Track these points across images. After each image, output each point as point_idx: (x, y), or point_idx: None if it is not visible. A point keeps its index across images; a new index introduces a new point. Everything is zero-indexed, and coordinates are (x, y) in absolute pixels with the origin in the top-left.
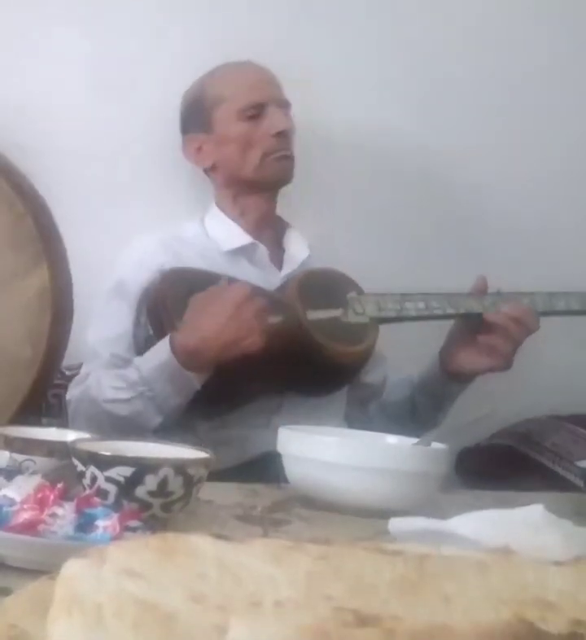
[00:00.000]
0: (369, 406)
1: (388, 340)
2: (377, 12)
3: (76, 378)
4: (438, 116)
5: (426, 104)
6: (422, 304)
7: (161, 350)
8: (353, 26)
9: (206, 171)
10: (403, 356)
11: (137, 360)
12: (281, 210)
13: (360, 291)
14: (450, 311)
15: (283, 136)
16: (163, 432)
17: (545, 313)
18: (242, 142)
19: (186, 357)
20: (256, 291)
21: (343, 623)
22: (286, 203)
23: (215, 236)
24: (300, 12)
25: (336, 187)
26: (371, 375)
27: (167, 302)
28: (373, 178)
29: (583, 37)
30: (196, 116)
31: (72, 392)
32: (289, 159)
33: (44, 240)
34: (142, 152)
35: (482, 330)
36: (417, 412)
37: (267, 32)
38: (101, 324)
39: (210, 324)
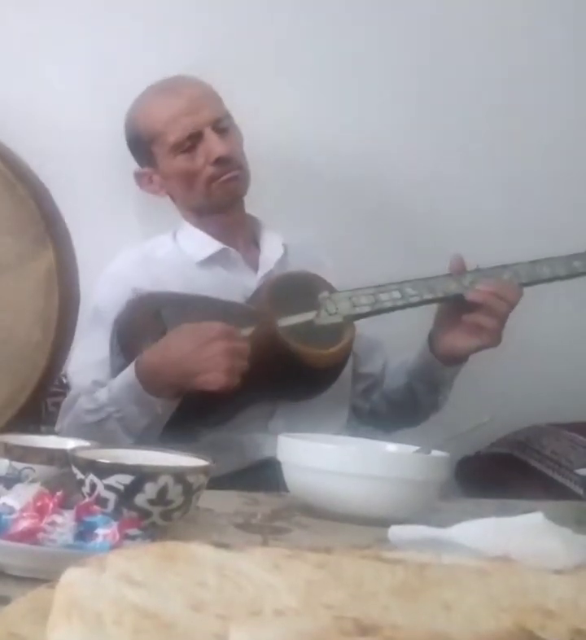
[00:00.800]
0: (372, 396)
1: (386, 326)
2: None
3: (61, 410)
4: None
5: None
6: (397, 294)
7: (128, 371)
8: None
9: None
10: (401, 342)
11: (110, 381)
12: (254, 210)
13: (332, 290)
14: (428, 296)
15: (224, 160)
16: (162, 439)
17: (531, 283)
18: (184, 175)
19: (146, 376)
20: (237, 335)
21: (343, 631)
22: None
23: (187, 249)
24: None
25: (308, 189)
26: (370, 365)
27: (134, 330)
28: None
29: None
30: (138, 151)
31: (62, 423)
32: (236, 179)
33: (47, 223)
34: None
35: (465, 310)
36: (417, 398)
37: (268, 32)
38: (81, 352)
39: (175, 348)
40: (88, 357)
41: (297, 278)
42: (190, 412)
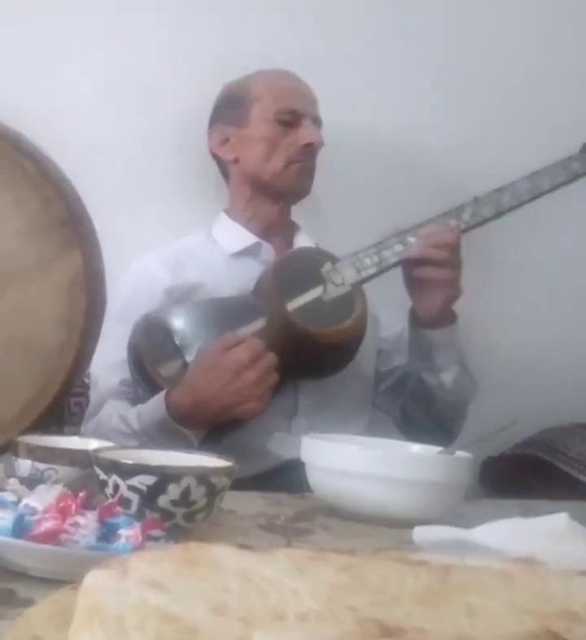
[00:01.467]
0: (402, 394)
1: None
2: (385, 14)
3: (89, 409)
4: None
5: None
6: (399, 247)
7: (157, 406)
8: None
9: (225, 165)
10: None
11: (140, 408)
12: None
13: (334, 260)
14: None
15: (311, 150)
16: (186, 441)
17: (533, 198)
18: (271, 143)
19: (180, 417)
20: (260, 351)
21: (367, 634)
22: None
23: (221, 241)
24: (311, 18)
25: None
26: (396, 358)
27: (148, 356)
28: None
29: None
30: (232, 108)
31: (86, 425)
32: (310, 173)
33: (75, 224)
34: (160, 160)
35: (416, 269)
36: (425, 384)
37: (282, 37)
38: (105, 350)
39: (206, 388)
40: (113, 357)
41: (297, 256)
42: None
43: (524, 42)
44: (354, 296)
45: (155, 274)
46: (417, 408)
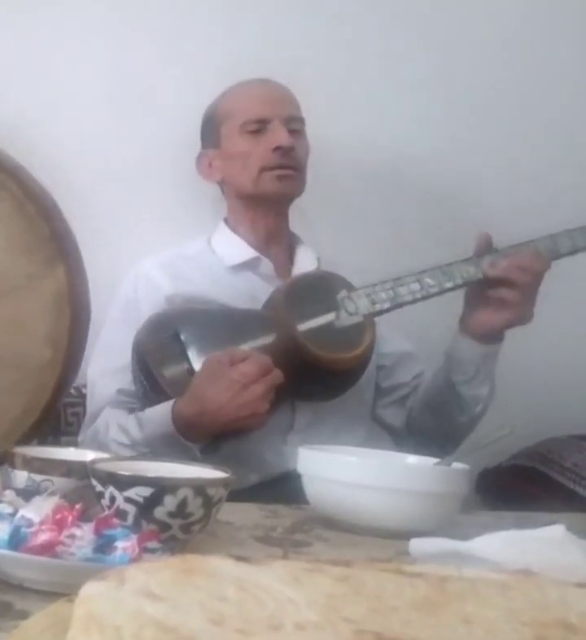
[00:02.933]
0: (407, 407)
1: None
2: (384, 25)
3: (86, 419)
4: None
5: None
6: (416, 286)
7: (162, 416)
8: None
9: (220, 185)
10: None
11: (140, 415)
12: None
13: (350, 288)
14: (447, 285)
15: (284, 152)
16: (182, 452)
17: (552, 256)
18: (243, 156)
19: (185, 426)
20: (269, 367)
21: None
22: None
23: (220, 252)
24: (312, 26)
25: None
26: (398, 376)
27: (153, 355)
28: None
29: None
30: (208, 132)
31: (84, 435)
32: (289, 178)
33: (58, 241)
34: (159, 165)
35: (489, 288)
36: (457, 391)
37: (284, 44)
38: (104, 355)
39: (212, 399)
40: (111, 362)
41: (311, 279)
42: None
43: (517, 46)
44: (365, 327)
45: (155, 281)
46: (433, 419)
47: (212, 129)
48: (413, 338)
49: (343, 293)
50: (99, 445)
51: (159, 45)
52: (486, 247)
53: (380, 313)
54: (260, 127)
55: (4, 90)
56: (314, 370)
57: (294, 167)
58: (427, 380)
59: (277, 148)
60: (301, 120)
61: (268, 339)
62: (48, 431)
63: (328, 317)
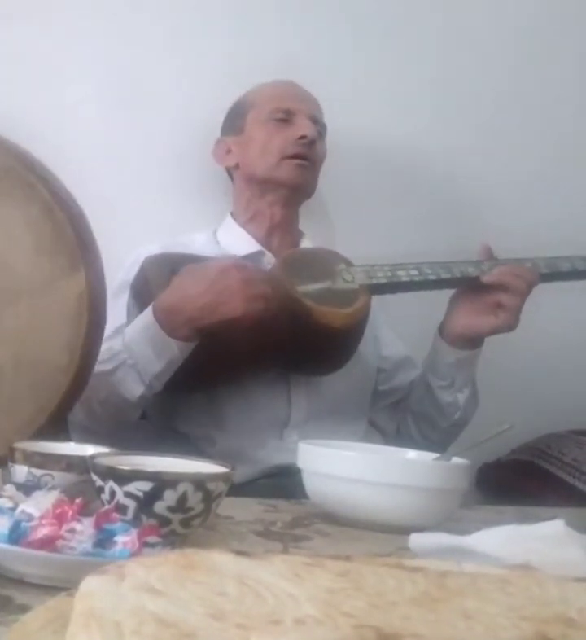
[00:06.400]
0: (398, 414)
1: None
2: (392, 26)
3: None
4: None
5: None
6: (414, 271)
7: (145, 314)
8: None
9: (230, 171)
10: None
11: (125, 329)
12: None
13: (348, 263)
14: (445, 276)
15: (306, 144)
16: (180, 447)
17: (550, 276)
18: (265, 141)
19: (165, 316)
20: (248, 265)
21: None
22: None
23: (224, 244)
24: (318, 25)
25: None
26: (395, 380)
27: (150, 288)
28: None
29: None
30: (232, 120)
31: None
32: (308, 168)
33: (82, 248)
34: (159, 165)
35: (481, 293)
36: (435, 397)
37: (285, 45)
38: None
39: (191, 285)
40: (108, 328)
41: (311, 253)
42: (205, 374)
43: (522, 46)
44: (360, 293)
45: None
46: (417, 424)
47: (236, 117)
48: (413, 339)
49: (341, 266)
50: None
51: (160, 44)
52: (486, 256)
53: (376, 287)
54: (286, 117)
55: (2, 91)
56: (303, 325)
57: (313, 160)
58: (414, 386)
59: (302, 137)
60: (323, 125)
61: (263, 287)
62: (58, 434)
63: (324, 284)
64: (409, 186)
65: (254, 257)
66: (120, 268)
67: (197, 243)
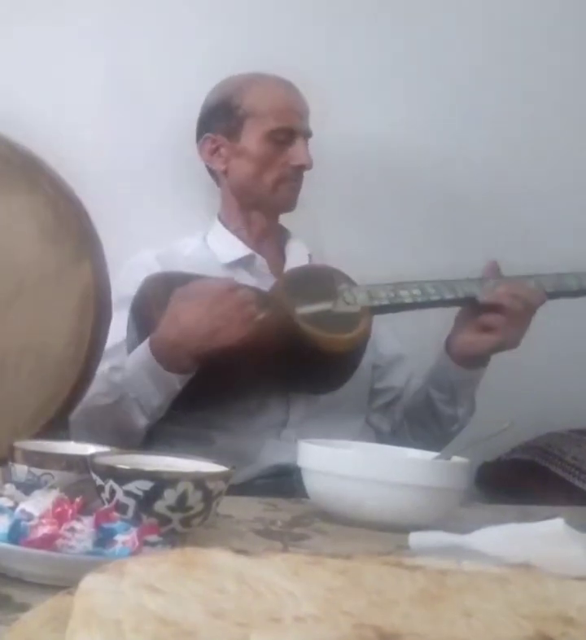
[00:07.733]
0: (394, 415)
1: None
2: (394, 26)
3: None
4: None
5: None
6: (417, 291)
7: (141, 349)
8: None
9: (215, 173)
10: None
11: (125, 360)
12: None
13: (350, 283)
14: (448, 296)
15: (301, 170)
16: (180, 446)
17: (556, 294)
18: (263, 162)
19: (166, 352)
20: (240, 286)
21: (363, 639)
22: None
23: (215, 249)
24: (321, 26)
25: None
26: (390, 378)
27: (150, 308)
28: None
29: None
30: (225, 118)
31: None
32: (296, 191)
33: (86, 240)
34: (155, 164)
35: (482, 312)
36: (435, 408)
37: (285, 43)
38: None
39: (188, 316)
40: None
41: (312, 271)
42: (205, 396)
43: (531, 50)
44: (360, 316)
45: (152, 269)
46: (412, 429)
47: (230, 117)
48: (414, 340)
49: (343, 286)
50: (88, 416)
51: (156, 44)
52: (492, 274)
53: (378, 309)
54: (286, 138)
55: (1, 90)
56: (308, 353)
57: (302, 178)
58: (411, 390)
59: (299, 166)
60: (311, 133)
61: (261, 315)
62: (64, 426)
63: (325, 305)
64: (408, 192)
65: (246, 261)
66: (118, 268)
67: (189, 248)
